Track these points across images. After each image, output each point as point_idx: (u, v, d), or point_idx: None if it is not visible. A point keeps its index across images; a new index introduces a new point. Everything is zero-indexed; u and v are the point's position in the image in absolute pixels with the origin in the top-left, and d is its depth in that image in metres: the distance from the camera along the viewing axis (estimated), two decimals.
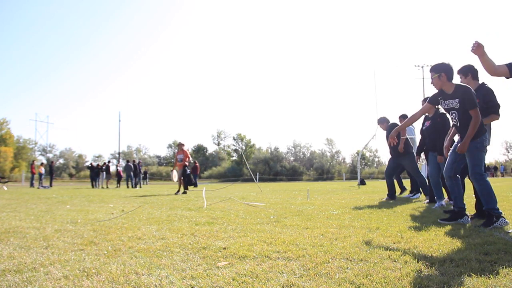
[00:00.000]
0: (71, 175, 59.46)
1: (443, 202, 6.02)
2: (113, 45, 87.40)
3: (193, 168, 21.52)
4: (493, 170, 45.98)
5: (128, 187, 19.60)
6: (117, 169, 21.54)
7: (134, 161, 21.38)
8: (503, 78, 3.48)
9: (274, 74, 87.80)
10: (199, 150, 66.72)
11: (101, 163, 21.86)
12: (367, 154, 60.80)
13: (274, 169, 49.53)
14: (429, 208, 5.64)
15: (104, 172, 20.75)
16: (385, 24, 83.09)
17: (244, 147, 63.00)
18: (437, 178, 6.14)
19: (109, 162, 22.29)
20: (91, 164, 21.63)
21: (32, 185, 22.00)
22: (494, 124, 4.34)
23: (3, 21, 73.30)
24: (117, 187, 20.22)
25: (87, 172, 53.39)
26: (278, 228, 3.72)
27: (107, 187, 19.86)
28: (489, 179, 3.93)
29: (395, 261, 2.25)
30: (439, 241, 2.85)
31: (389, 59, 79.82)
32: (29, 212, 5.66)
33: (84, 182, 38.94)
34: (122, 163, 31.80)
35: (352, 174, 46.58)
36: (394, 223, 3.90)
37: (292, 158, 57.85)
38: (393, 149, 7.79)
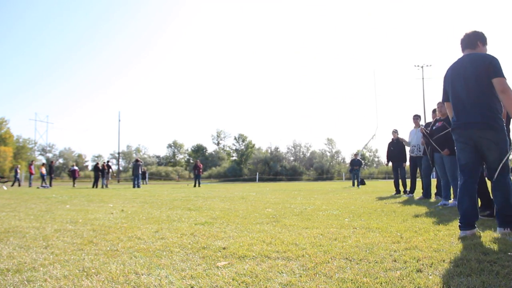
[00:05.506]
0: (70, 175, 59.38)
1: (447, 202, 6.07)
2: (113, 45, 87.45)
3: (195, 167, 21.44)
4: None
5: (134, 186, 19.55)
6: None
7: (137, 160, 21.29)
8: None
9: (274, 74, 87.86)
10: (199, 150, 66.67)
11: (100, 163, 21.82)
12: (367, 154, 60.84)
13: (274, 169, 49.50)
14: (429, 208, 5.63)
15: (102, 172, 20.66)
16: (385, 24, 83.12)
17: (244, 148, 63.01)
18: (446, 178, 6.22)
19: (108, 162, 22.28)
20: (96, 163, 21.59)
21: (30, 185, 22.01)
22: None
23: (3, 21, 73.27)
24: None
25: (87, 172, 53.13)
26: (277, 228, 3.71)
27: (106, 187, 19.86)
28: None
29: (395, 261, 2.25)
30: (439, 241, 2.85)
31: (389, 59, 79.91)
32: (28, 212, 5.66)
33: (84, 182, 38.93)
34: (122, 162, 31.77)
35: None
36: (394, 223, 3.89)
37: (292, 158, 57.81)
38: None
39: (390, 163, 9.91)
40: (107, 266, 2.25)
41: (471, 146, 3.24)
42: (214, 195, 10.02)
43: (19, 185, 21.94)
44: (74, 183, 22.70)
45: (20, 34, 77.12)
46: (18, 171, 22.51)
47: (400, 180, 9.52)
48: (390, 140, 9.80)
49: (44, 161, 47.58)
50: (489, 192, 4.48)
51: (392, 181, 9.15)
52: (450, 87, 3.42)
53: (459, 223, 3.18)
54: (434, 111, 7.16)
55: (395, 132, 9.70)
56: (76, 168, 23.92)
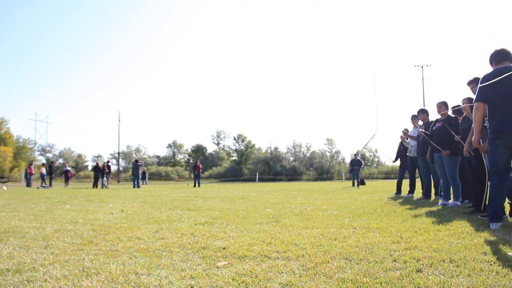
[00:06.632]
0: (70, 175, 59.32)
1: (447, 202, 6.08)
2: (113, 45, 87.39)
3: (195, 167, 21.42)
4: None
5: (134, 186, 19.54)
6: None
7: (137, 161, 21.28)
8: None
9: (274, 74, 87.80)
10: (199, 150, 66.66)
11: (100, 163, 21.80)
12: (367, 154, 60.80)
13: (274, 169, 49.47)
14: (429, 208, 5.63)
15: (102, 172, 20.64)
16: (385, 24, 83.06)
17: (244, 148, 63.04)
18: (445, 178, 6.23)
19: (108, 162, 22.28)
20: (97, 163, 21.60)
21: (30, 185, 22.03)
22: None
23: (3, 21, 73.25)
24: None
25: (87, 172, 52.98)
26: (277, 228, 3.71)
27: (106, 187, 19.87)
28: None
29: (395, 261, 2.25)
30: (439, 241, 2.85)
31: (389, 59, 79.83)
32: (28, 212, 5.66)
33: (84, 182, 38.94)
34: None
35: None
36: (394, 223, 3.90)
37: (292, 158, 57.75)
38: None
39: (398, 161, 9.87)
40: (107, 266, 2.25)
41: (511, 150, 3.70)
42: (214, 195, 10.02)
43: (27, 185, 22.17)
44: (66, 183, 23.19)
45: (20, 34, 77.06)
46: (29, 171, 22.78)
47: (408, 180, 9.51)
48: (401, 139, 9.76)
49: (44, 161, 47.56)
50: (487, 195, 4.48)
51: (394, 181, 9.09)
52: (501, 93, 3.70)
53: (489, 217, 3.63)
54: (416, 116, 7.41)
55: (405, 131, 9.66)
56: (69, 168, 24.68)
